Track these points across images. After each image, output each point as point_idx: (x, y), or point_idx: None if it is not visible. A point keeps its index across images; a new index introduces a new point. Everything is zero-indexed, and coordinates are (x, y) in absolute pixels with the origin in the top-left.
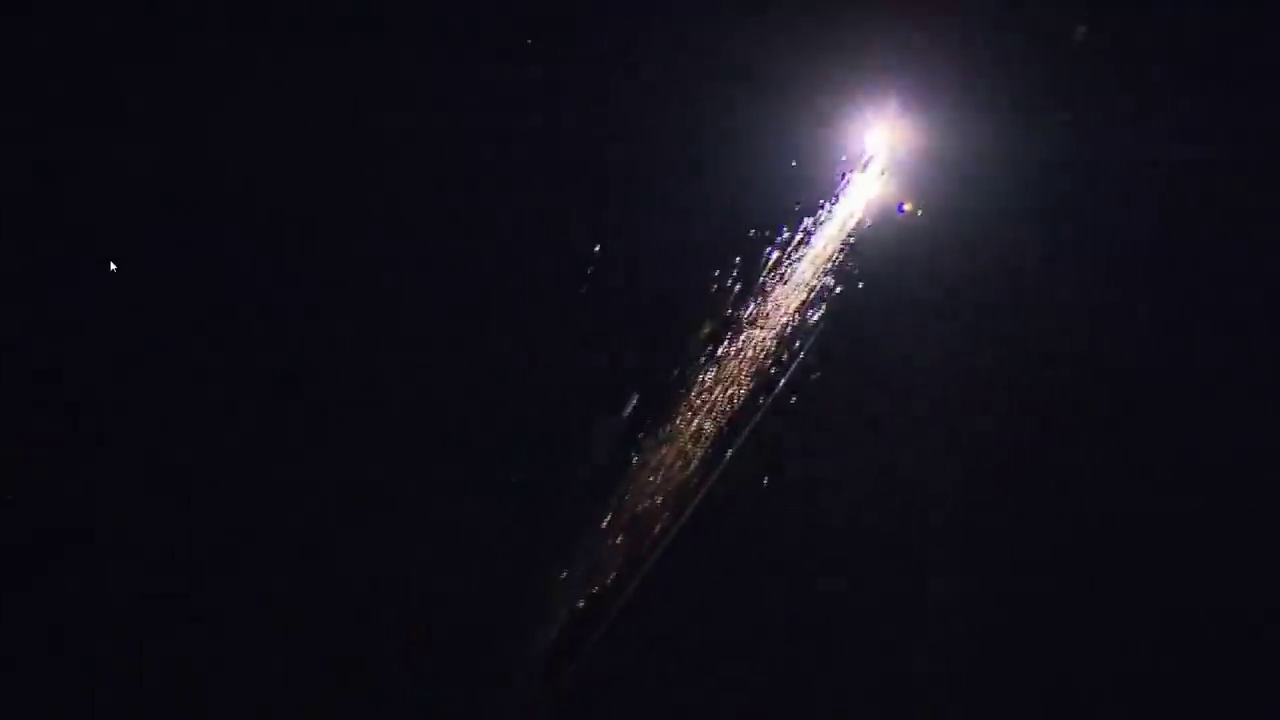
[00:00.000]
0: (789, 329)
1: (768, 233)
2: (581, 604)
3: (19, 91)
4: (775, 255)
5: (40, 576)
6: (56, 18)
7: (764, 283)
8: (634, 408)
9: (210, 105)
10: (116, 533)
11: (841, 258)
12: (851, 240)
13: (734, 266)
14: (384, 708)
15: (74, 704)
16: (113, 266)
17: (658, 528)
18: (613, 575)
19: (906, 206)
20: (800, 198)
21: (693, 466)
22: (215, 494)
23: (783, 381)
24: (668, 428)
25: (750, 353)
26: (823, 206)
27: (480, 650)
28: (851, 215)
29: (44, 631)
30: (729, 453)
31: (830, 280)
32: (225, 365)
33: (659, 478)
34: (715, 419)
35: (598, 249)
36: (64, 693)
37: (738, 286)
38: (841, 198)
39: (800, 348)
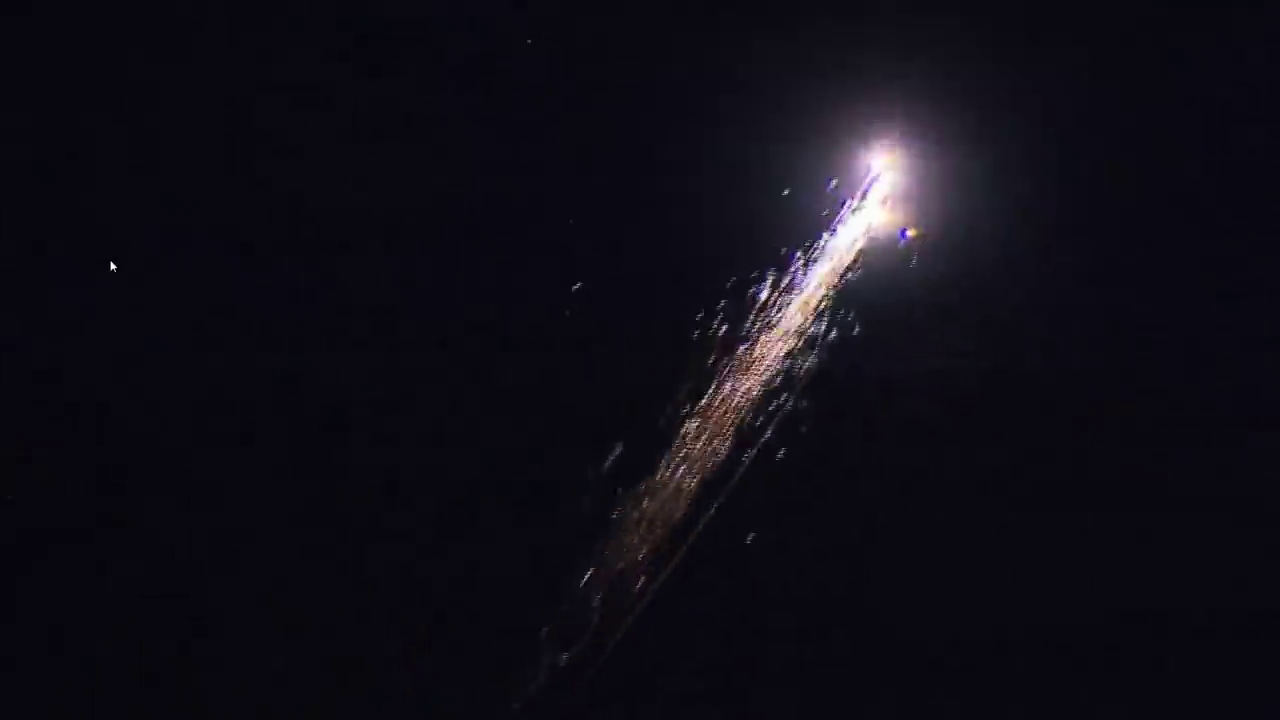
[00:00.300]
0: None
1: (765, 263)
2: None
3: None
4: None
5: (40, 576)
6: (56, 17)
7: (764, 311)
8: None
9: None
10: (116, 533)
11: (836, 295)
12: (849, 275)
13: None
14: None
15: (74, 704)
16: (113, 266)
17: (638, 585)
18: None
19: (910, 233)
20: (794, 233)
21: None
22: (214, 494)
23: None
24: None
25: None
26: (815, 244)
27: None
28: (850, 247)
29: (44, 631)
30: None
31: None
32: (220, 367)
33: (641, 534)
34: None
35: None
36: (64, 693)
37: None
38: (840, 228)
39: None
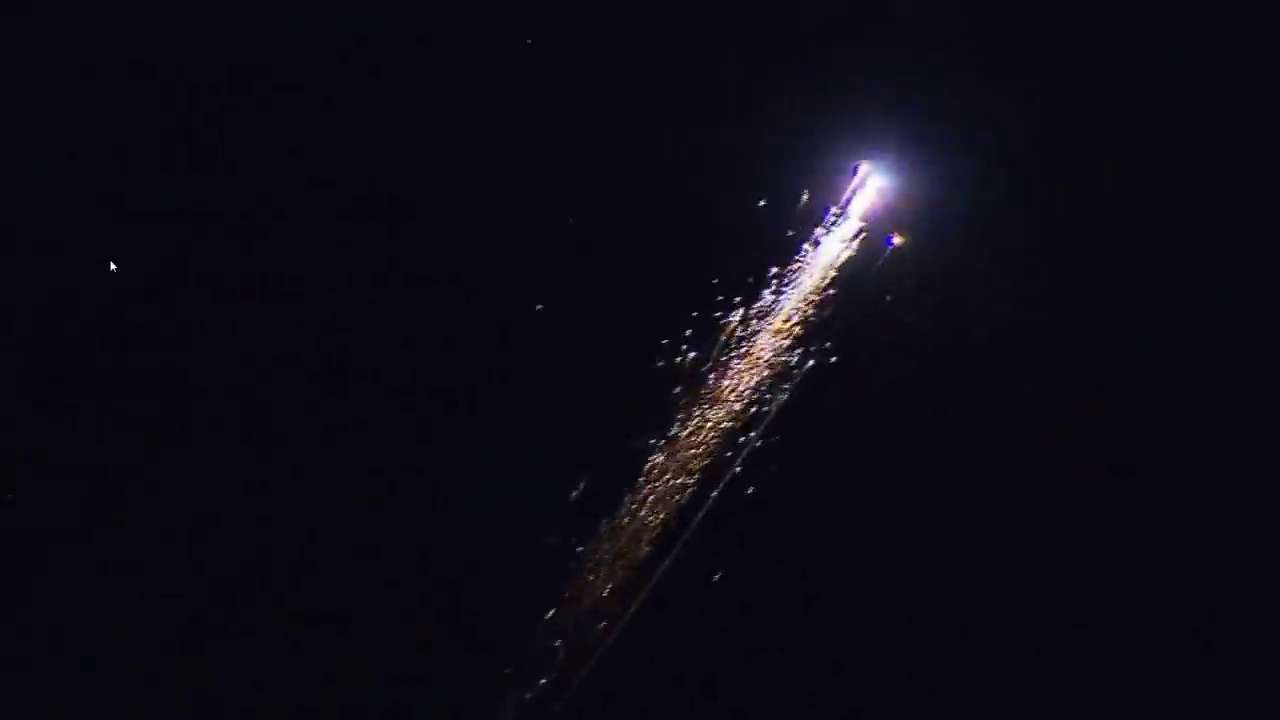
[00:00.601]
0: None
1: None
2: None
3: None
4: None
5: (40, 576)
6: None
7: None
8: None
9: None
10: (114, 533)
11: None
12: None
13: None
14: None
15: (73, 704)
16: (113, 266)
17: (603, 623)
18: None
19: (896, 240)
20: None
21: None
22: (210, 495)
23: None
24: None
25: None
26: (792, 262)
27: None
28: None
29: (44, 631)
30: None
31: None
32: (216, 365)
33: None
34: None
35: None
36: (63, 692)
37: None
38: (821, 241)
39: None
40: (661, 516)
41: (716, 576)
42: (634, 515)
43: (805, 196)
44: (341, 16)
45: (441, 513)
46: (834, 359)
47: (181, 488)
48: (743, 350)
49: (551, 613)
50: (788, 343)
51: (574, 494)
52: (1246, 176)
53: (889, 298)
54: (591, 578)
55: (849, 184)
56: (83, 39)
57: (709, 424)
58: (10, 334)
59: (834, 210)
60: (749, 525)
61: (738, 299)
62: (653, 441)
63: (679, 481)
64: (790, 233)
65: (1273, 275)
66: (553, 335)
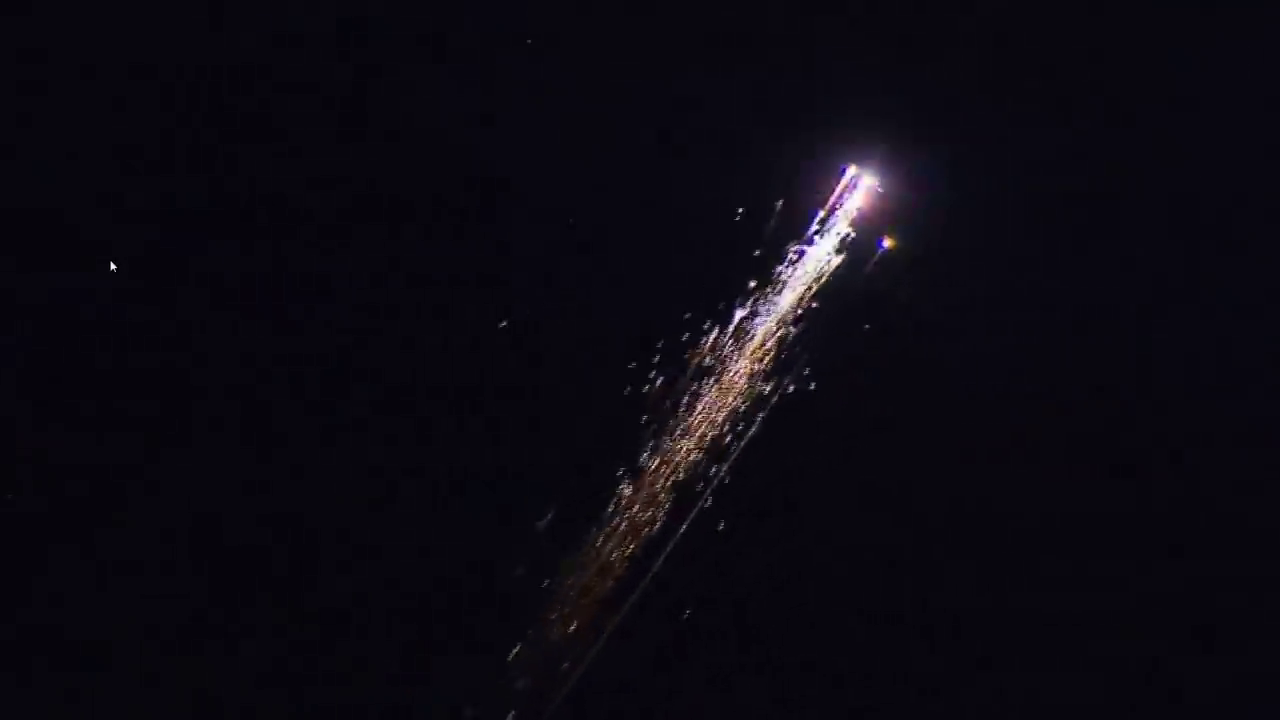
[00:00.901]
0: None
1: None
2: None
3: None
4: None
5: (40, 576)
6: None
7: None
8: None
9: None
10: (110, 533)
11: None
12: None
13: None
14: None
15: (73, 703)
16: (113, 266)
17: (569, 659)
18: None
19: (887, 244)
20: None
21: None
22: (210, 495)
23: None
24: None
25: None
26: (771, 278)
27: None
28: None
29: (44, 631)
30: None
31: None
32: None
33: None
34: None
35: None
36: (63, 692)
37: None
38: (804, 253)
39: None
40: (629, 550)
41: (686, 614)
42: (600, 549)
43: (779, 205)
44: (342, 16)
45: (406, 542)
46: (811, 385)
47: (181, 488)
48: (715, 376)
49: (515, 650)
50: (762, 368)
51: (540, 525)
52: (1245, 178)
53: (867, 326)
54: (556, 613)
55: (835, 190)
56: (83, 39)
57: (679, 454)
58: (10, 334)
59: (818, 220)
60: (719, 559)
61: (711, 321)
62: (620, 472)
63: (647, 514)
64: (768, 249)
65: (1273, 276)
66: (519, 358)
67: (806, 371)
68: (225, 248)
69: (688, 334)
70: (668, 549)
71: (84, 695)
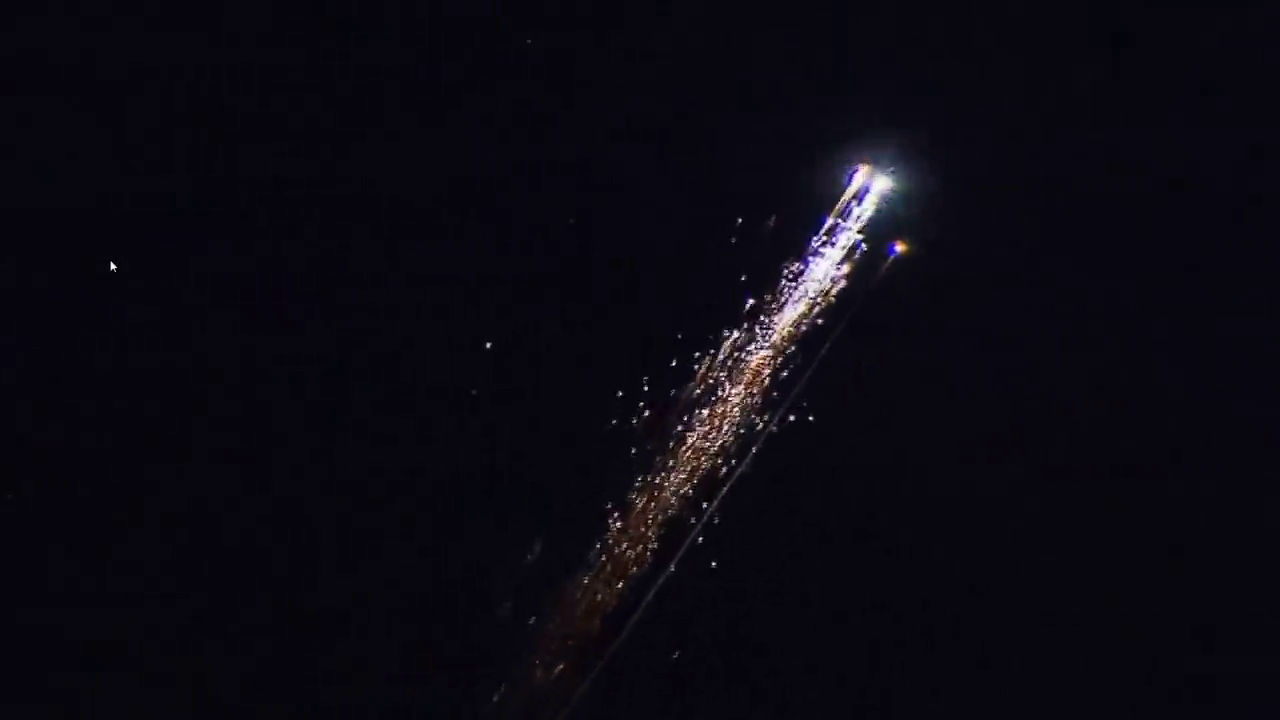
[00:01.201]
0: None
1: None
2: None
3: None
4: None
5: (40, 576)
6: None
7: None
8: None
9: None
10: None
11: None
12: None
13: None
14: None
15: (73, 703)
16: (113, 266)
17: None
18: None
19: (899, 248)
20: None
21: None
22: (210, 495)
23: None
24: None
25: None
26: (769, 302)
27: None
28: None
29: (44, 631)
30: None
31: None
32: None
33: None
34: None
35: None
36: (64, 692)
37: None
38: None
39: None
40: (618, 589)
41: (675, 655)
42: (588, 589)
43: (773, 221)
44: (341, 17)
45: (388, 575)
46: (810, 418)
47: (182, 487)
48: (706, 409)
49: (502, 689)
50: (756, 400)
51: (527, 561)
52: (1247, 178)
53: (863, 363)
54: (542, 655)
55: (843, 195)
56: (83, 39)
57: (669, 489)
58: (10, 334)
59: (826, 226)
60: (710, 598)
61: (704, 350)
62: (608, 508)
63: (636, 552)
64: (771, 258)
65: (1272, 276)
66: (506, 390)
67: (804, 404)
68: (225, 247)
69: (688, 347)
70: (655, 588)
71: (84, 695)
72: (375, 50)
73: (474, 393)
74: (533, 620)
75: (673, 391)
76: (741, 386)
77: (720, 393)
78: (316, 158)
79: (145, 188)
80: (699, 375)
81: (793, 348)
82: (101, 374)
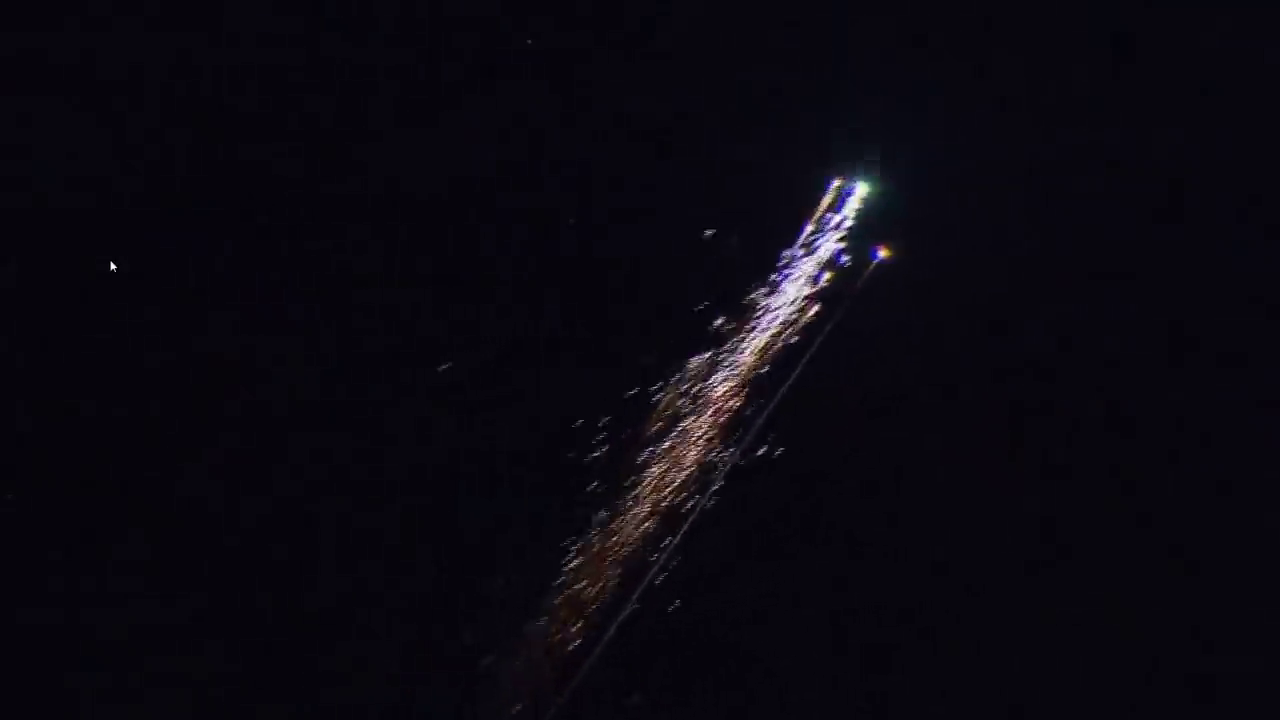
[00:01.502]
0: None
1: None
2: None
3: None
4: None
5: (40, 576)
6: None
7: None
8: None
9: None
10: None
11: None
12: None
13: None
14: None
15: (74, 703)
16: (112, 266)
17: None
18: None
19: (882, 253)
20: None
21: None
22: (211, 495)
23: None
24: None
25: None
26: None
27: None
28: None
29: (45, 631)
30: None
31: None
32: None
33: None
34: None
35: None
36: (64, 692)
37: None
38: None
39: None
40: (577, 628)
41: (633, 698)
42: (545, 625)
43: (735, 240)
44: (341, 17)
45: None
46: (778, 451)
47: (182, 487)
48: (668, 440)
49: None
50: (719, 433)
51: (485, 597)
52: (1246, 178)
53: (831, 403)
54: (500, 694)
55: (822, 201)
56: (83, 39)
57: (628, 525)
58: (10, 334)
59: (807, 232)
60: (670, 639)
61: (666, 377)
62: (567, 543)
63: (593, 590)
64: (751, 268)
65: (1272, 276)
66: (463, 418)
67: (771, 437)
68: (226, 247)
69: (687, 345)
70: (612, 629)
71: (84, 695)
72: (375, 50)
73: (472, 394)
74: (488, 659)
75: (634, 424)
76: (705, 421)
77: (683, 425)
78: (316, 158)
79: (145, 188)
80: (660, 407)
81: (753, 386)
82: (101, 374)
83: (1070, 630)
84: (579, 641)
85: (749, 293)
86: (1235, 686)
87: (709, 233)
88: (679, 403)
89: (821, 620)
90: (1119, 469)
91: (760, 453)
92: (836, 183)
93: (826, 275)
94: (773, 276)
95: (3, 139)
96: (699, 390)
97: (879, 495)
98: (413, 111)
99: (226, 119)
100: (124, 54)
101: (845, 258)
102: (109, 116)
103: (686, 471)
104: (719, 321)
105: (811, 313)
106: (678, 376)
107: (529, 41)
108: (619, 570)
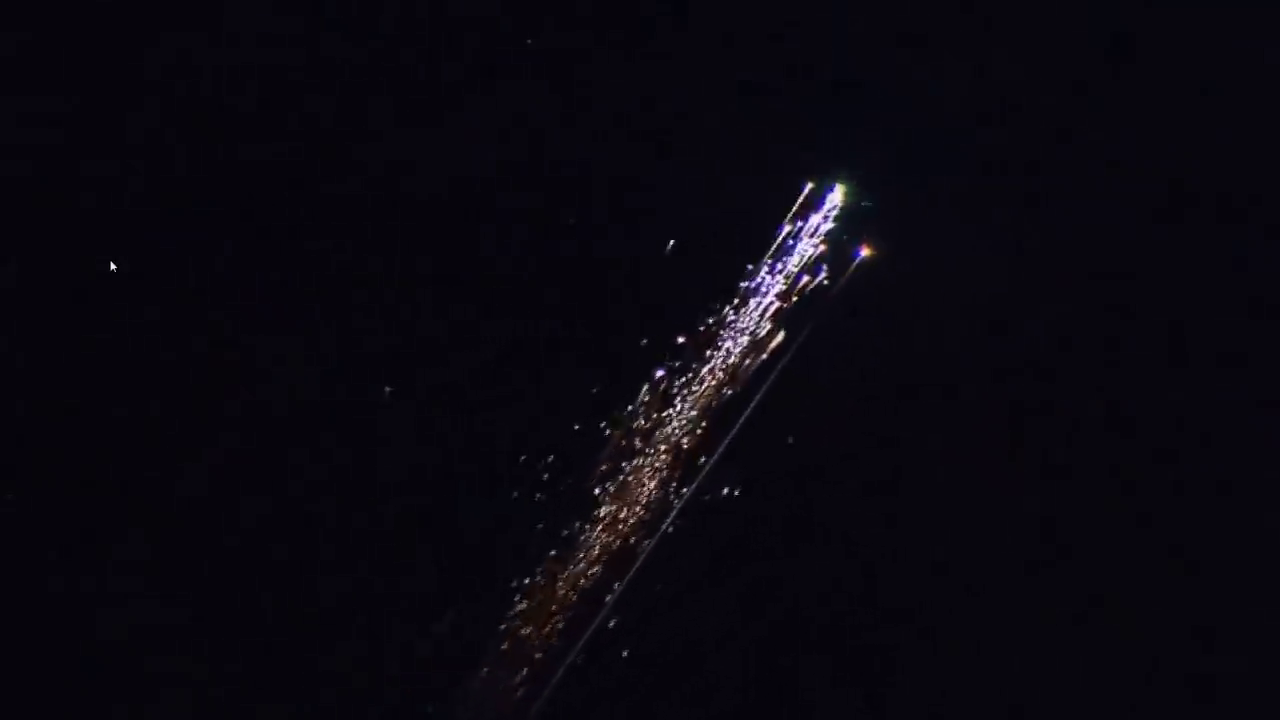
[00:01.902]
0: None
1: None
2: None
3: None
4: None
5: (40, 576)
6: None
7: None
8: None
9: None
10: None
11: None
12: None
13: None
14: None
15: (73, 704)
16: (112, 266)
17: None
18: None
19: (864, 253)
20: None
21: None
22: (211, 495)
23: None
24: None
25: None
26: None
27: None
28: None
29: (45, 631)
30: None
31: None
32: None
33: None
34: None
35: None
36: (64, 692)
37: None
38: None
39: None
40: (522, 674)
41: (637, 692)
42: (491, 671)
43: (735, 239)
44: (341, 17)
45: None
46: (778, 448)
47: (182, 487)
48: (669, 437)
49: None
50: (721, 427)
51: (484, 597)
52: (1245, 179)
53: (791, 439)
54: (501, 694)
55: (799, 203)
56: (82, 39)
57: (629, 521)
58: (10, 334)
59: (785, 233)
60: (672, 633)
61: (667, 374)
62: (513, 584)
63: (543, 632)
64: (759, 269)
65: (1273, 276)
66: (463, 418)
67: (735, 472)
68: (226, 247)
69: (684, 346)
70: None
71: (84, 695)
72: (375, 50)
73: (472, 394)
74: (429, 709)
75: (593, 453)
76: (665, 449)
77: (645, 451)
78: (316, 158)
79: (145, 188)
80: (694, 367)
81: (722, 409)
82: (101, 374)
83: (1070, 630)
84: (583, 638)
85: (749, 292)
86: (1235, 686)
87: (709, 232)
88: (679, 399)
89: (821, 620)
90: (1119, 469)
91: (760, 450)
92: (836, 183)
93: (827, 273)
94: (773, 276)
95: (3, 139)
96: (699, 386)
97: (878, 495)
98: (413, 111)
99: (226, 119)
100: (124, 54)
101: (846, 257)
102: (109, 116)
103: (686, 469)
104: (719, 320)
105: (812, 311)
106: (678, 373)
107: (529, 41)
108: (624, 564)
